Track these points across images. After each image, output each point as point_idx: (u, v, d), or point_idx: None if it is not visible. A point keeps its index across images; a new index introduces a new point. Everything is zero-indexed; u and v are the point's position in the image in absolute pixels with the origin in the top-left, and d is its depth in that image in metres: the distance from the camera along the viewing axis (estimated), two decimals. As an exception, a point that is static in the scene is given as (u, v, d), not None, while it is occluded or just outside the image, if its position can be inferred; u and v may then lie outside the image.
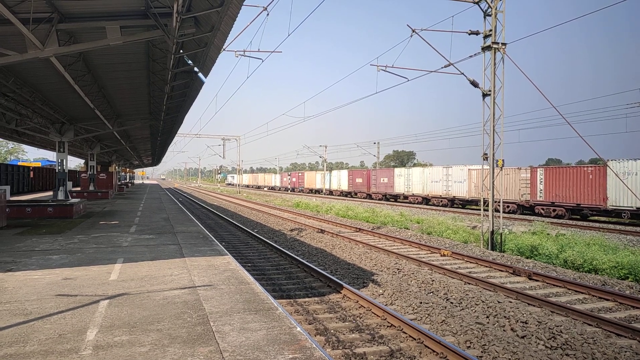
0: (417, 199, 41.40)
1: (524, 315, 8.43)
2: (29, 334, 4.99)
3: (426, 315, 8.59)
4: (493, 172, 16.50)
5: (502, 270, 12.76)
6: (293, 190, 74.96)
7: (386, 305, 9.28)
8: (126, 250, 10.58)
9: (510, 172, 30.83)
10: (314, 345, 4.74)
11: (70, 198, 22.04)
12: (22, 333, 5.03)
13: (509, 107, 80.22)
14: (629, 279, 11.81)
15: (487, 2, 16.06)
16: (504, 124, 16.44)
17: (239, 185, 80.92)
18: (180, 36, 9.99)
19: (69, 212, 18.21)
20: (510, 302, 9.48)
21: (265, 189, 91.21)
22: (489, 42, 16.15)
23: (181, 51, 11.91)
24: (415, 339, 7.29)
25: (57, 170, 22.11)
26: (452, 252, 15.03)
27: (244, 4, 8.57)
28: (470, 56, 17.53)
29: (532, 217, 26.90)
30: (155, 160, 74.31)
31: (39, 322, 5.39)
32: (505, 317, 8.43)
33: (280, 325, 5.36)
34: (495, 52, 16.12)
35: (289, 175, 79.74)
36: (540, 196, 28.83)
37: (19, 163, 56.37)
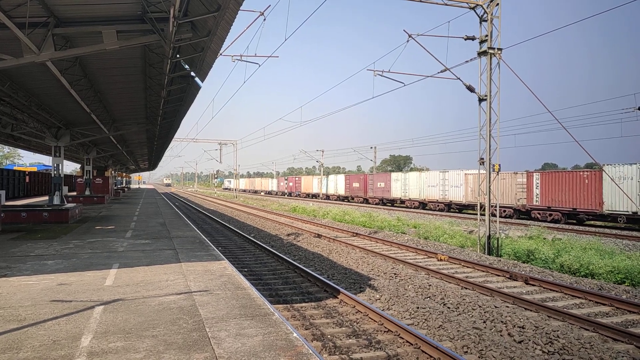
0: (413, 203, 41.43)
1: (521, 320, 8.42)
2: (22, 341, 4.94)
3: (423, 320, 8.57)
4: (489, 177, 16.53)
5: (499, 275, 12.76)
6: (290, 194, 74.89)
7: (383, 310, 9.25)
8: (122, 255, 10.52)
9: (506, 176, 30.92)
10: (311, 351, 4.71)
11: (66, 203, 21.93)
12: (16, 339, 4.98)
13: (505, 111, 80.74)
14: (626, 284, 11.83)
15: (483, 8, 16.15)
16: (500, 128, 16.51)
17: (235, 189, 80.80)
18: (176, 41, 9.98)
19: (65, 217, 18.12)
20: (507, 306, 9.47)
21: (262, 193, 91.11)
22: (485, 47, 16.23)
23: (178, 56, 11.91)
24: (412, 344, 7.26)
25: (52, 175, 22.01)
26: (449, 257, 15.02)
27: (240, 9, 8.58)
28: (467, 61, 17.61)
29: (528, 222, 26.96)
30: (152, 164, 74.13)
31: (33, 328, 5.34)
32: (502, 322, 8.42)
33: (276, 330, 5.33)
34: (491, 58, 16.20)
35: (286, 179, 79.70)
36: (536, 201, 28.91)
37: (15, 167, 56.14)
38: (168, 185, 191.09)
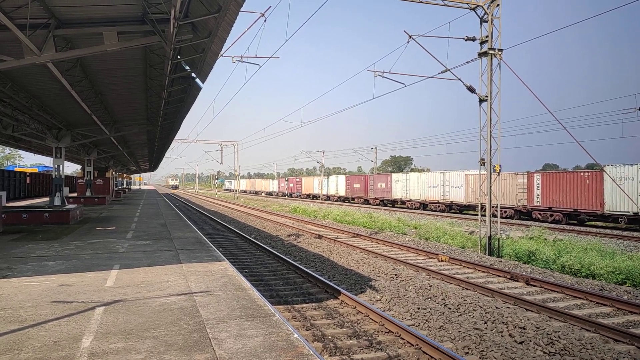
0: (414, 204, 41.40)
1: (522, 320, 8.41)
2: (23, 341, 4.95)
3: (424, 321, 8.56)
4: (490, 178, 16.52)
5: (499, 276, 12.74)
6: (290, 195, 74.89)
7: (384, 311, 9.25)
8: (122, 256, 10.52)
9: (507, 177, 30.88)
10: (312, 352, 4.71)
11: (66, 204, 21.94)
12: (17, 340, 4.98)
13: (505, 112, 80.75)
14: (627, 284, 11.81)
15: (483, 9, 16.15)
16: (500, 129, 16.51)
17: (236, 190, 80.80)
18: (177, 42, 10.00)
19: (66, 218, 18.13)
20: (508, 307, 9.46)
21: (263, 194, 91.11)
22: (485, 48, 16.23)
23: (178, 57, 11.92)
24: (413, 345, 7.26)
25: (53, 176, 22.02)
26: (450, 258, 15.01)
27: (241, 10, 8.59)
28: (467, 62, 17.61)
29: (529, 222, 26.92)
30: (153, 166, 74.19)
31: (33, 329, 5.34)
32: (503, 322, 8.41)
33: (277, 331, 5.33)
34: (491, 58, 16.20)
35: (287, 180, 79.70)
36: (537, 201, 28.87)
37: (16, 169, 56.18)
38: (175, 187, 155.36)
